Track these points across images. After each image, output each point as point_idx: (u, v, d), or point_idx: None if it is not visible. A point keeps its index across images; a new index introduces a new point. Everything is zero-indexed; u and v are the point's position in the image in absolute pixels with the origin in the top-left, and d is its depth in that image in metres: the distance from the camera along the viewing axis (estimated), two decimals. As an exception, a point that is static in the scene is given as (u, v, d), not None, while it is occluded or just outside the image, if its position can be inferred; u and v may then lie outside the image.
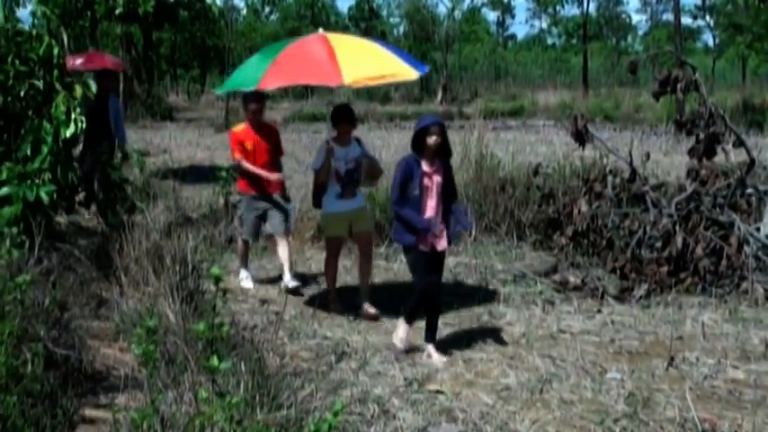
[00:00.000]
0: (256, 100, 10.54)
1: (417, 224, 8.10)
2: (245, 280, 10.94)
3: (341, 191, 9.66)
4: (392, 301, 9.48)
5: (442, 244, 8.29)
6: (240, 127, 10.77)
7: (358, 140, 9.94)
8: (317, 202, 9.98)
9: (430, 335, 8.31)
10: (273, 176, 10.49)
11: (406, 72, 9.52)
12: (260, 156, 10.54)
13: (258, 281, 11.06)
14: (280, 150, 10.95)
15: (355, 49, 9.84)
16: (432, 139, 8.07)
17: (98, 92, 12.83)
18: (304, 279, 11.03)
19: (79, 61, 15.46)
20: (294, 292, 10.33)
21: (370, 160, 9.96)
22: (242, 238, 11.02)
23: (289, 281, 10.42)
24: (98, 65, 15.06)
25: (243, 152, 10.50)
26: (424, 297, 8.23)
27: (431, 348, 8.23)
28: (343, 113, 9.72)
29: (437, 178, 8.23)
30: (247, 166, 10.47)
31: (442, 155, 8.28)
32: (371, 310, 9.57)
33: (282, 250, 10.61)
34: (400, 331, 8.38)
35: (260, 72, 9.30)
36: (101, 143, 12.35)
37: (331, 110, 10.03)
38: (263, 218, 10.82)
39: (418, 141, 8.16)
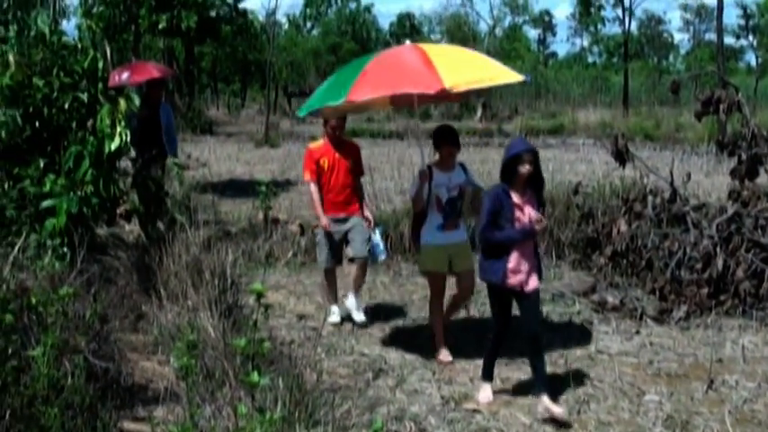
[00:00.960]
0: (338, 116, 9.82)
1: (515, 235, 7.30)
2: (335, 315, 10.00)
3: (442, 221, 8.71)
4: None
5: (532, 283, 7.41)
6: (318, 143, 9.99)
7: (463, 166, 8.94)
8: (416, 236, 8.97)
9: (541, 383, 7.27)
10: (323, 221, 9.71)
11: (509, 75, 8.80)
12: (338, 175, 9.78)
13: (296, 296, 11.08)
14: (360, 170, 10.09)
15: (451, 55, 9.33)
16: (524, 168, 7.29)
17: (147, 102, 12.96)
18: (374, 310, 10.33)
19: (125, 75, 14.78)
20: (360, 323, 9.76)
21: (476, 188, 8.93)
22: (324, 268, 10.06)
23: (355, 310, 9.89)
24: (145, 76, 14.58)
25: (318, 171, 9.74)
26: (500, 344, 7.63)
27: (546, 400, 7.17)
28: (446, 135, 8.80)
29: (529, 210, 7.41)
30: (313, 195, 9.80)
31: (533, 185, 7.49)
32: (445, 356, 8.67)
33: (357, 274, 9.92)
34: (483, 394, 7.65)
35: (347, 85, 8.40)
36: (151, 153, 12.36)
37: (433, 131, 8.98)
38: (344, 241, 9.98)
39: (508, 170, 7.35)
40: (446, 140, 8.77)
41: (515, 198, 7.36)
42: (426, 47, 8.91)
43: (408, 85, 8.46)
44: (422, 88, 8.33)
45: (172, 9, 35.70)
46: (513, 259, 7.33)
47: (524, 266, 7.36)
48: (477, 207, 8.52)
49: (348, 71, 9.12)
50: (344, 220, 9.84)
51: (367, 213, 10.04)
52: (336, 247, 9.98)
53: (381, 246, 9.83)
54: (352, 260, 10.20)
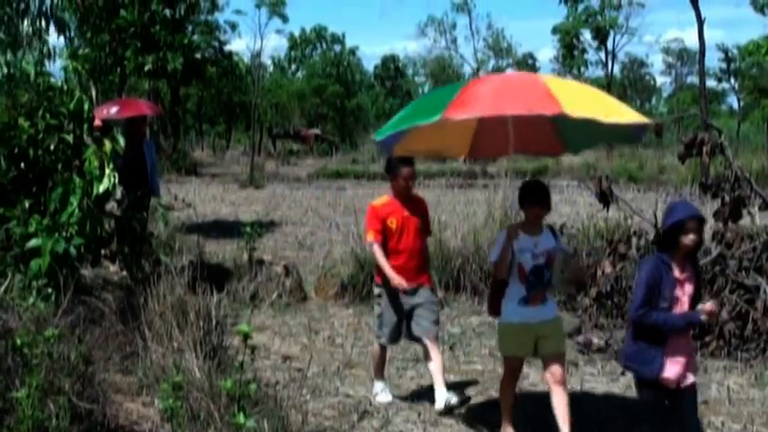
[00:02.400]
0: (409, 163, 8.32)
1: (678, 322, 6.24)
2: (382, 393, 8.72)
3: (526, 294, 7.34)
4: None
5: (689, 377, 6.40)
6: (383, 200, 8.50)
7: (552, 229, 7.70)
8: (495, 307, 7.62)
9: None
10: (402, 285, 8.21)
11: (634, 115, 7.05)
12: (407, 237, 8.35)
13: (281, 337, 11.05)
14: (428, 229, 8.81)
15: (571, 86, 7.66)
16: (687, 239, 6.20)
17: (131, 139, 12.97)
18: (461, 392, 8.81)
19: (114, 110, 14.51)
20: (458, 405, 8.22)
21: (567, 256, 7.89)
22: (379, 342, 8.71)
23: (448, 397, 8.18)
24: (134, 112, 14.47)
25: (384, 232, 8.34)
26: None
27: None
28: (534, 192, 7.45)
29: (689, 288, 6.34)
30: (380, 259, 8.34)
31: (693, 257, 6.46)
32: None
33: (435, 359, 8.37)
34: None
35: (445, 101, 6.83)
36: (138, 191, 12.37)
37: (520, 186, 7.62)
38: (407, 316, 8.47)
39: (669, 239, 6.29)
40: (535, 199, 7.40)
41: (676, 272, 6.28)
42: (543, 75, 7.81)
43: (519, 104, 6.83)
44: (536, 109, 6.78)
45: (158, 51, 35.84)
46: (671, 348, 6.25)
47: (681, 357, 6.30)
48: (575, 277, 8.05)
49: (443, 91, 7.88)
50: (413, 292, 8.36)
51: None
52: (401, 321, 8.48)
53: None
54: (414, 339, 8.62)
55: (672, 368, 6.22)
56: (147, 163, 13.15)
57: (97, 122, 14.01)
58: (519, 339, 7.41)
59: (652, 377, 6.21)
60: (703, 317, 6.19)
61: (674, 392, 6.29)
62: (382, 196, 8.55)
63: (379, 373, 8.86)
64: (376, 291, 8.61)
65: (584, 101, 6.96)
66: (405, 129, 7.27)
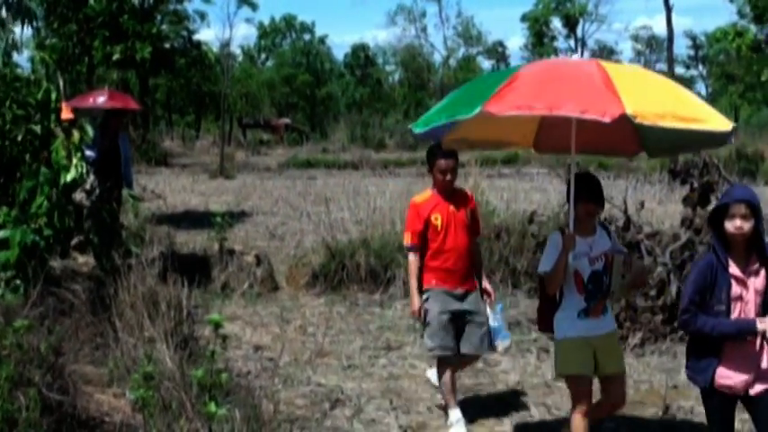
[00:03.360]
0: (448, 154, 7.45)
1: (727, 329, 5.50)
2: (457, 425, 7.54)
3: (585, 305, 6.45)
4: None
5: (762, 383, 5.57)
6: (424, 196, 7.68)
7: (605, 227, 6.83)
8: (546, 321, 6.73)
9: None
10: (415, 304, 7.56)
11: (717, 119, 5.94)
12: (452, 236, 7.50)
13: (252, 327, 11.03)
14: (477, 228, 7.88)
15: (640, 79, 6.46)
16: (733, 226, 5.47)
17: (108, 131, 12.88)
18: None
19: (101, 99, 14.51)
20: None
21: (624, 257, 6.79)
22: (435, 355, 7.72)
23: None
24: (121, 104, 14.49)
25: (427, 232, 7.52)
26: None
27: None
28: (587, 186, 6.51)
29: (757, 284, 5.56)
30: (412, 266, 7.62)
31: (759, 247, 5.56)
32: None
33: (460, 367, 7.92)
34: None
35: (487, 93, 5.88)
36: (111, 183, 12.25)
37: (568, 179, 6.63)
38: (458, 324, 7.56)
39: (717, 228, 5.61)
40: (587, 194, 6.46)
41: (734, 269, 5.53)
42: (608, 64, 6.30)
43: (573, 103, 5.67)
44: (591, 110, 5.57)
45: (126, 41, 35.65)
46: (730, 354, 5.56)
47: (745, 362, 5.55)
48: (637, 281, 6.93)
49: (490, 78, 7.01)
50: (462, 297, 7.55)
51: (486, 285, 7.82)
52: (453, 329, 7.52)
53: (504, 329, 7.76)
54: (461, 355, 7.71)
55: (733, 375, 5.54)
56: (121, 155, 13.07)
57: (68, 114, 13.87)
58: (581, 356, 6.44)
59: (704, 386, 5.63)
60: (761, 326, 5.39)
61: (744, 400, 5.64)
62: (424, 191, 7.75)
63: (452, 397, 7.63)
64: (423, 295, 7.52)
65: (656, 100, 5.89)
66: (444, 124, 6.34)
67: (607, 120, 5.44)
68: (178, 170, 36.86)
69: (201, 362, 6.91)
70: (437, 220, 7.50)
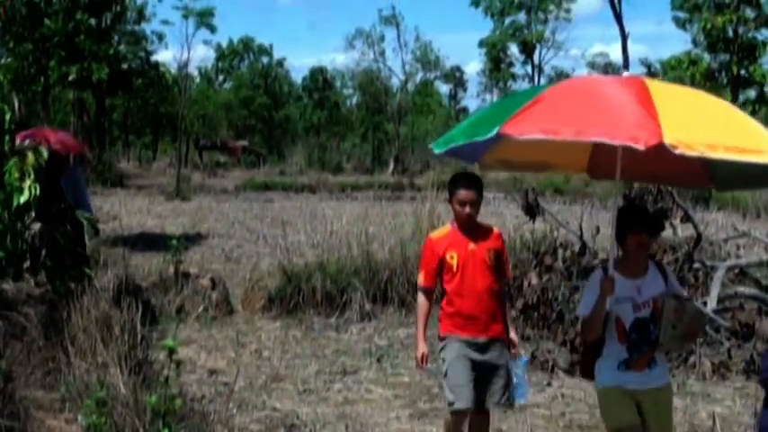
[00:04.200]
0: (470, 184, 6.62)
1: None
2: None
3: (627, 356, 5.70)
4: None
5: None
6: (443, 230, 6.87)
7: (660, 267, 6.00)
8: (588, 368, 6.02)
9: None
10: (419, 351, 6.78)
11: None
12: (470, 278, 6.57)
13: (207, 351, 10.95)
14: (504, 270, 6.89)
15: (692, 102, 5.57)
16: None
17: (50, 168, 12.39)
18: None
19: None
20: None
21: (678, 304, 5.73)
22: (451, 409, 6.74)
23: None
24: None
25: (441, 271, 6.67)
26: None
27: None
28: (637, 213, 5.80)
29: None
30: (420, 308, 6.81)
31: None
32: None
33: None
34: None
35: (507, 113, 5.21)
36: (53, 211, 11.82)
37: (617, 209, 5.82)
38: (480, 375, 6.67)
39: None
40: (639, 223, 5.67)
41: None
42: (653, 83, 5.50)
43: (602, 128, 4.91)
44: (624, 138, 4.79)
45: (82, 61, 35.41)
46: None
47: None
48: (693, 331, 5.87)
49: (516, 98, 6.15)
50: (484, 347, 6.65)
51: (512, 334, 6.93)
52: (469, 378, 6.61)
53: (525, 384, 6.97)
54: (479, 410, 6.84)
55: None
56: (62, 191, 12.63)
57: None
58: (621, 407, 5.76)
59: None
60: None
61: None
62: (444, 225, 7.00)
63: None
64: (439, 343, 6.77)
65: (708, 127, 5.12)
66: (462, 144, 5.61)
67: (641, 147, 4.64)
68: (134, 192, 36.61)
69: (155, 387, 6.84)
70: (452, 258, 6.58)
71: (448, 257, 6.60)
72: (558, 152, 6.42)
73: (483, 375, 6.65)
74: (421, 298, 6.80)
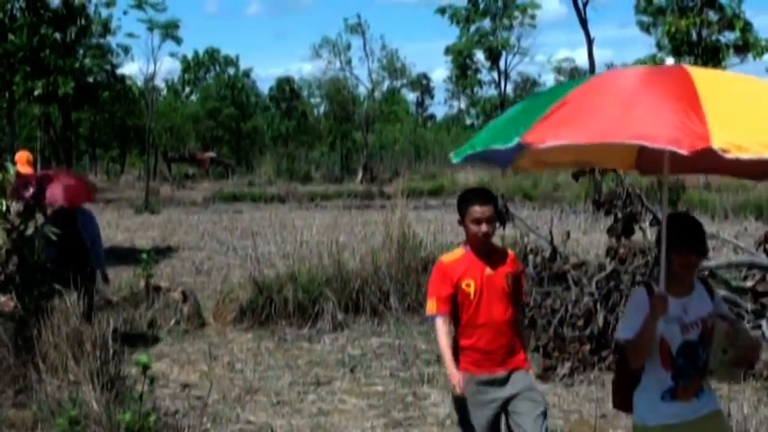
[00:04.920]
0: (485, 198, 5.87)
1: None
2: None
3: (672, 384, 5.05)
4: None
5: None
6: (455, 254, 5.98)
7: (706, 284, 5.33)
8: (623, 398, 5.28)
9: None
10: (455, 380, 5.68)
11: None
12: (487, 307, 5.83)
13: (180, 365, 10.89)
14: (520, 296, 6.16)
15: (745, 91, 4.79)
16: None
17: (62, 209, 11.35)
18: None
19: (57, 196, 11.54)
20: None
21: (730, 326, 5.10)
22: None
23: None
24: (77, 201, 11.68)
25: (457, 300, 5.83)
26: None
27: None
28: (685, 228, 5.11)
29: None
30: (441, 337, 5.81)
31: None
32: None
33: None
34: None
35: (531, 119, 4.61)
36: (76, 265, 10.75)
37: (665, 220, 5.10)
38: (502, 414, 5.94)
39: None
40: (686, 241, 5.04)
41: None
42: (697, 72, 4.73)
43: (638, 129, 4.26)
44: (663, 141, 4.18)
45: (48, 75, 35.18)
46: None
47: None
48: (746, 357, 5.25)
49: (542, 98, 5.27)
50: (503, 381, 5.90)
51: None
52: (490, 423, 5.90)
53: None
54: None
55: None
56: (81, 238, 11.32)
57: (25, 168, 13.23)
58: None
59: None
60: None
61: None
62: (455, 249, 6.11)
63: None
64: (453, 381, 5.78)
65: (763, 119, 4.39)
66: (480, 151, 5.00)
67: (684, 152, 4.03)
68: (102, 205, 36.38)
69: (128, 402, 6.81)
70: (469, 286, 5.79)
71: (464, 285, 5.79)
72: (601, 150, 5.77)
73: (508, 409, 5.89)
74: (439, 324, 5.79)
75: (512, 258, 6.06)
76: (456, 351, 5.84)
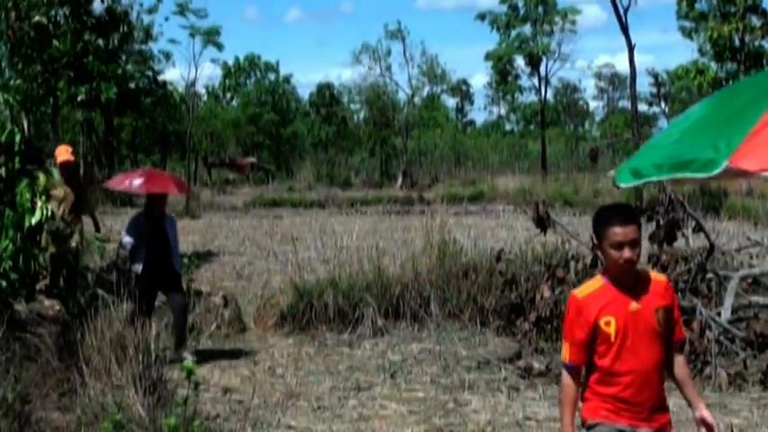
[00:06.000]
0: (627, 218, 4.87)
1: None
2: None
3: None
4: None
5: None
6: (592, 285, 4.96)
7: None
8: None
9: None
10: None
11: None
12: (632, 350, 4.81)
13: (221, 369, 10.94)
14: (677, 333, 4.99)
15: None
16: None
17: (151, 215, 11.51)
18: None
19: (137, 182, 12.19)
20: None
21: None
22: None
23: None
24: (160, 189, 12.13)
25: (593, 341, 4.86)
26: None
27: None
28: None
29: None
30: (567, 393, 4.95)
31: None
32: None
33: None
34: None
35: (736, 134, 3.81)
36: (161, 271, 11.11)
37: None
38: None
39: None
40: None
41: None
42: None
43: None
44: None
45: (91, 81, 35.49)
46: None
47: None
48: None
49: (733, 101, 4.43)
50: None
51: (704, 413, 5.06)
52: None
53: None
54: None
55: None
56: (169, 238, 11.43)
57: (67, 156, 13.53)
58: None
59: None
60: None
61: None
62: (592, 279, 5.07)
63: None
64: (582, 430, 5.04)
65: None
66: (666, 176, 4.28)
67: None
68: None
69: (171, 406, 6.85)
70: (609, 325, 4.81)
71: (603, 323, 4.81)
72: None
73: None
74: (566, 379, 4.93)
75: (663, 286, 4.95)
76: (592, 396, 4.95)
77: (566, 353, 4.90)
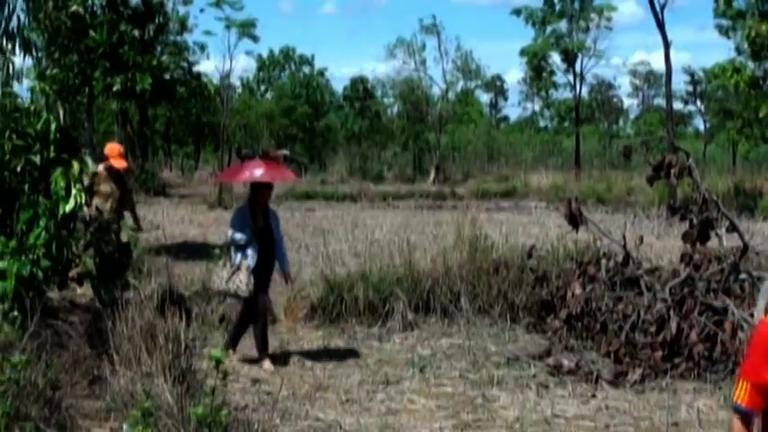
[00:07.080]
0: None
1: None
2: None
3: None
4: None
5: None
6: None
7: None
8: None
9: None
10: None
11: None
12: None
13: (249, 360, 10.96)
14: None
15: None
16: None
17: (259, 207, 11.38)
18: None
19: (259, 172, 11.91)
20: None
21: None
22: None
23: None
24: (280, 177, 12.18)
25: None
26: None
27: None
28: None
29: None
30: None
31: None
32: None
33: None
34: None
35: None
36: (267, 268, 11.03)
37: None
38: None
39: None
40: None
41: None
42: None
43: None
44: None
45: (126, 71, 35.57)
46: None
47: None
48: None
49: None
50: None
51: None
52: None
53: None
54: None
55: None
56: (273, 232, 11.18)
57: (122, 164, 13.52)
58: None
59: None
60: None
61: None
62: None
63: None
64: None
65: None
66: None
67: None
68: (177, 200, 36.87)
69: (199, 396, 6.87)
70: None
71: None
72: None
73: None
74: (735, 424, 3.99)
75: None
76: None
77: (741, 393, 3.94)
